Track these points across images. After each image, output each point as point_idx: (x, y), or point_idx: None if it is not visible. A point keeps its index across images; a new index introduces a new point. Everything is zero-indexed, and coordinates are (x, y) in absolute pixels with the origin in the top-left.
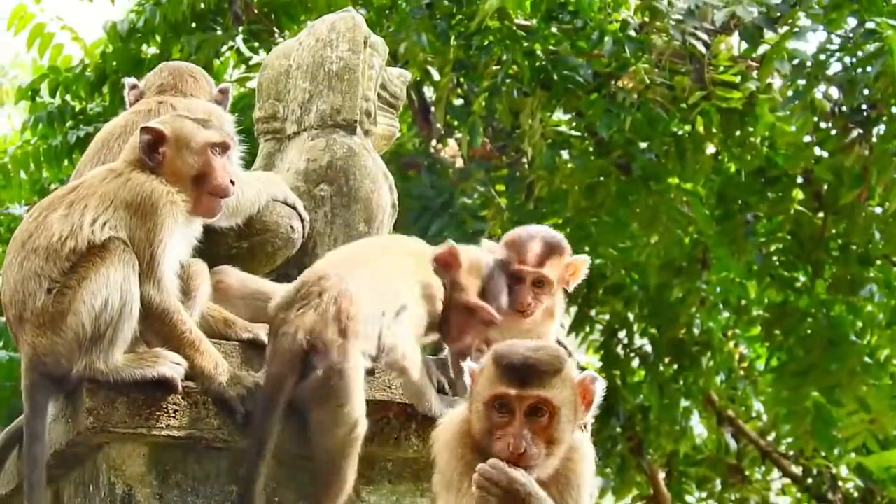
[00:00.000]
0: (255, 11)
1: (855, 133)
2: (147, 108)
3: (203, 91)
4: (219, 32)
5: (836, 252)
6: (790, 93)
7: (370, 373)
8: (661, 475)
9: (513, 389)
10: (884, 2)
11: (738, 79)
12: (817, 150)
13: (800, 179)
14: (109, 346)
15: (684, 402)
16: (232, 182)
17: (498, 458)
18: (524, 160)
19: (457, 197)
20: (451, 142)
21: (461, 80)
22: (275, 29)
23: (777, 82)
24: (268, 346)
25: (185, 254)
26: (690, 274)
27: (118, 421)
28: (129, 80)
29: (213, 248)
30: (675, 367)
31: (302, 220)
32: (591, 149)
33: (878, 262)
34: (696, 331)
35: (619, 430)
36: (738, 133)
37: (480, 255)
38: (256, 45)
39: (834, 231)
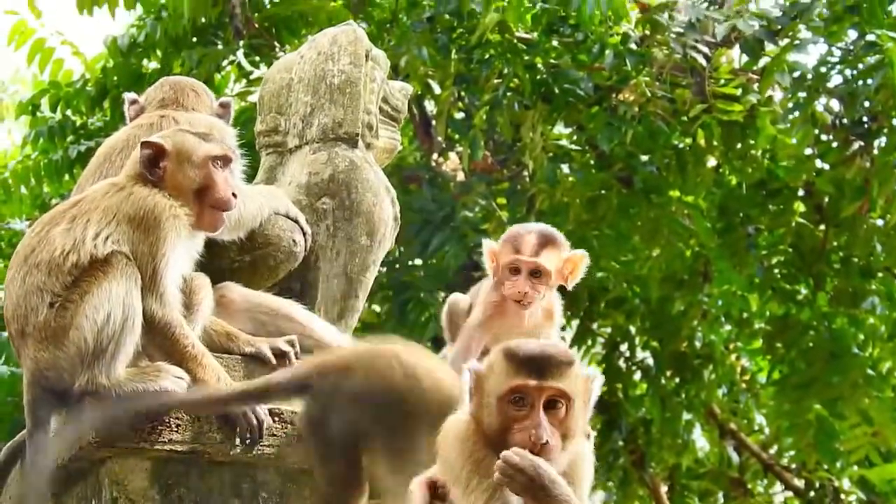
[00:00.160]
0: (256, 26)
1: (856, 145)
2: (149, 122)
3: (204, 105)
4: (220, 47)
5: (838, 264)
6: (791, 105)
7: None
8: (664, 488)
9: (532, 381)
10: (884, 14)
11: (738, 91)
12: (818, 163)
13: (801, 192)
14: (112, 360)
15: (686, 416)
16: (234, 195)
17: None
18: (525, 173)
19: (458, 210)
20: (453, 155)
21: (462, 93)
22: (276, 43)
23: (778, 95)
24: None
25: (187, 268)
26: (692, 287)
27: (120, 436)
28: (128, 95)
29: (216, 261)
30: (677, 380)
31: (304, 234)
32: (592, 162)
33: (880, 275)
34: (697, 344)
35: (621, 443)
36: (739, 146)
37: None
38: (257, 59)
39: (835, 243)
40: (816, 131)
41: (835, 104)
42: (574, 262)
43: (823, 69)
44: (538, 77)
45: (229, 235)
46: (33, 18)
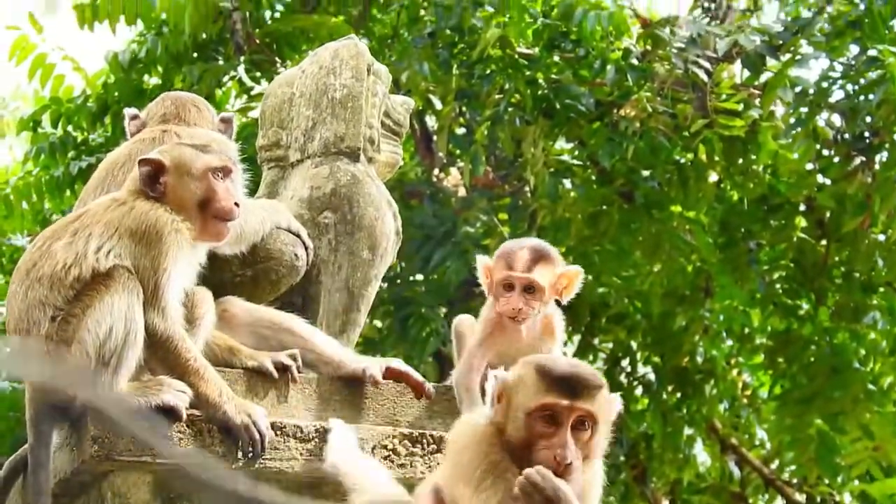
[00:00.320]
0: (257, 41)
1: (857, 160)
2: (151, 137)
3: (206, 120)
4: (220, 62)
5: (839, 280)
6: (793, 120)
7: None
8: (665, 503)
9: (564, 400)
10: (886, 29)
11: (740, 107)
12: (820, 178)
13: (802, 207)
14: (114, 374)
15: (688, 430)
16: (236, 205)
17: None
18: (527, 189)
19: (459, 226)
20: (454, 171)
21: (463, 108)
22: (276, 59)
23: (779, 110)
24: None
25: (189, 282)
26: (693, 302)
27: (123, 449)
28: (129, 111)
29: (217, 275)
30: (679, 395)
31: (306, 248)
32: (593, 177)
33: (881, 290)
34: (699, 359)
35: (622, 458)
36: (740, 161)
37: None
38: (258, 74)
39: (837, 258)
40: (818, 146)
41: (836, 119)
42: (569, 278)
43: (825, 84)
44: (539, 92)
45: (231, 249)
46: (35, 34)
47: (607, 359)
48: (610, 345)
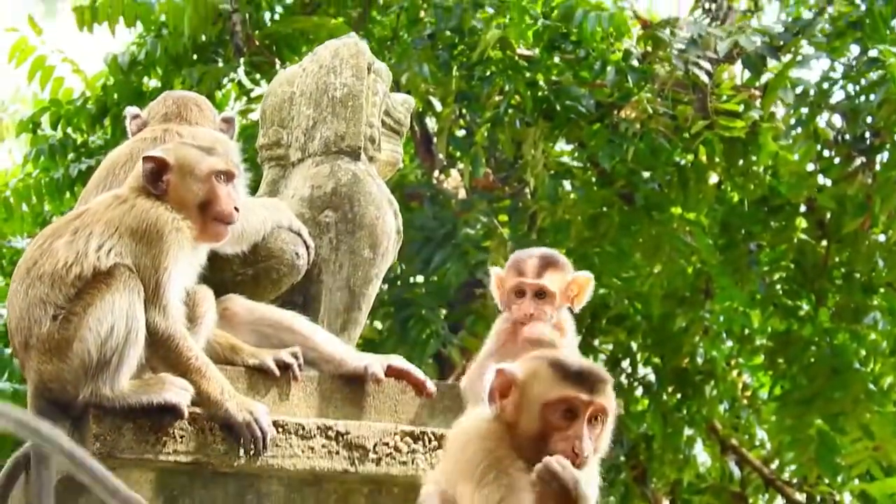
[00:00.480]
0: (257, 43)
1: (858, 161)
2: (153, 136)
3: (207, 120)
4: (220, 64)
5: (840, 280)
6: (793, 121)
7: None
8: (665, 503)
9: (584, 395)
10: (887, 30)
11: (740, 108)
12: (820, 179)
13: (803, 208)
14: (115, 372)
15: (688, 431)
16: (237, 209)
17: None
18: (527, 191)
19: (459, 228)
20: (454, 172)
21: (463, 110)
22: (276, 61)
23: (780, 111)
24: None
25: (190, 280)
26: (694, 303)
27: (125, 447)
28: (131, 110)
29: (219, 274)
30: (679, 395)
31: (307, 247)
32: (593, 179)
33: (882, 290)
34: (699, 360)
35: (622, 458)
36: (741, 162)
37: None
38: (258, 76)
39: (837, 259)
40: (819, 147)
41: (837, 120)
42: (579, 284)
43: (826, 85)
44: (539, 94)
45: (232, 248)
46: (34, 36)
47: (607, 360)
48: (610, 346)
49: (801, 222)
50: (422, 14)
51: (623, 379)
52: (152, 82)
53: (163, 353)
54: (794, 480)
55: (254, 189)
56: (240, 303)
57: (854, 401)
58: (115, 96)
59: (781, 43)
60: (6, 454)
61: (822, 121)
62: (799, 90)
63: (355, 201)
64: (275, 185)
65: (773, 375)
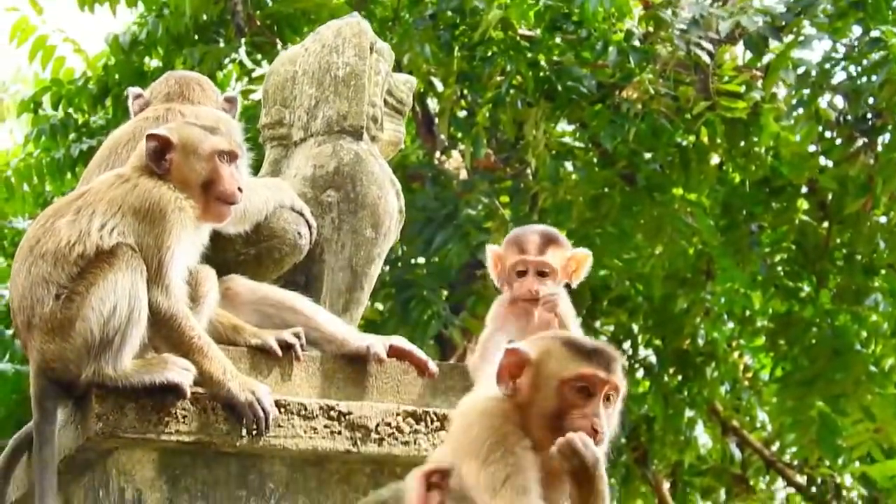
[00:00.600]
0: (258, 23)
1: (860, 142)
2: (155, 115)
3: (210, 100)
4: (221, 45)
5: (841, 262)
6: (795, 102)
7: None
8: (666, 485)
9: (601, 372)
10: (889, 10)
11: (742, 88)
12: (822, 160)
13: (804, 189)
14: (118, 351)
15: (689, 413)
16: (240, 189)
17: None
18: (528, 171)
19: (461, 208)
20: (455, 153)
21: (465, 91)
22: (277, 41)
23: (782, 92)
24: None
25: (193, 260)
26: (695, 285)
27: (127, 426)
28: (133, 90)
29: (221, 254)
30: (680, 377)
31: (309, 227)
32: (595, 160)
33: (883, 272)
34: (700, 341)
35: (623, 440)
36: (742, 143)
37: None
38: (259, 57)
39: (839, 241)
40: (820, 128)
41: (839, 101)
42: (578, 261)
43: (828, 66)
44: (541, 74)
45: (235, 228)
46: (35, 16)
47: (608, 341)
48: (611, 327)
49: (803, 203)
50: None
51: (624, 360)
52: (153, 62)
53: (165, 332)
54: (795, 462)
55: (256, 169)
56: (242, 283)
57: (855, 382)
58: (117, 76)
59: (783, 23)
60: (8, 434)
61: (823, 102)
62: (801, 71)
63: (357, 181)
64: (277, 164)
65: (774, 357)
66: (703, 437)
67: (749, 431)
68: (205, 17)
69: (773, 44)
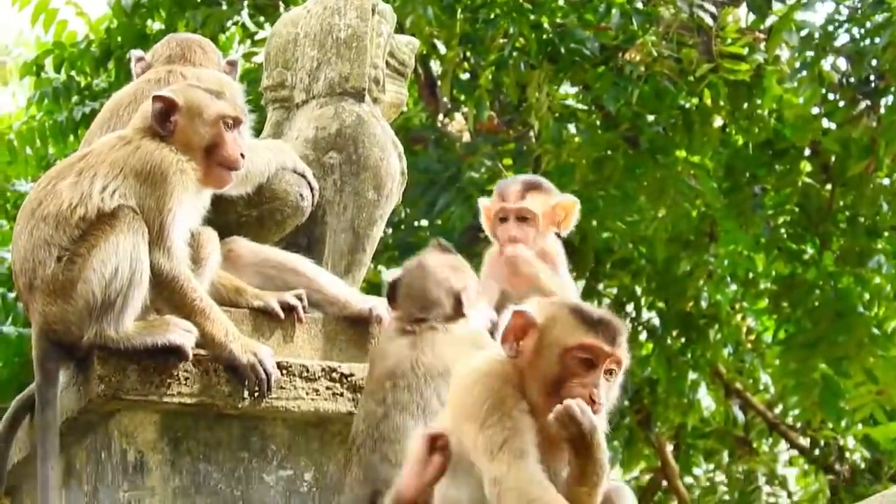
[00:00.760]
0: None
1: (863, 104)
2: (157, 77)
3: (212, 62)
4: (224, 7)
5: (844, 224)
6: (798, 64)
7: None
8: (669, 447)
9: (606, 345)
10: None
11: (745, 51)
12: (825, 122)
13: (807, 151)
14: (120, 313)
15: (692, 375)
16: (242, 155)
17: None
18: (531, 134)
19: (464, 171)
20: (458, 116)
21: (468, 53)
22: (280, 3)
23: (785, 54)
24: None
25: (194, 222)
26: (698, 247)
27: (129, 388)
28: (135, 53)
29: (223, 216)
30: (683, 340)
31: (311, 189)
32: (598, 122)
33: (886, 234)
34: (703, 304)
35: (626, 402)
36: (745, 105)
37: None
38: (261, 19)
39: (842, 203)
40: (823, 90)
41: (842, 63)
42: (565, 208)
43: (830, 28)
44: (544, 37)
45: (237, 190)
46: None
47: (612, 304)
48: (614, 290)
49: (806, 166)
50: None
51: (627, 323)
52: (156, 25)
53: (167, 294)
54: (798, 424)
55: (258, 131)
56: (244, 245)
57: (858, 345)
58: (119, 39)
59: None
60: (10, 397)
61: (826, 64)
62: (804, 33)
63: (359, 143)
64: (279, 126)
65: (777, 319)
66: (706, 400)
67: (752, 394)
68: None
69: (776, 6)
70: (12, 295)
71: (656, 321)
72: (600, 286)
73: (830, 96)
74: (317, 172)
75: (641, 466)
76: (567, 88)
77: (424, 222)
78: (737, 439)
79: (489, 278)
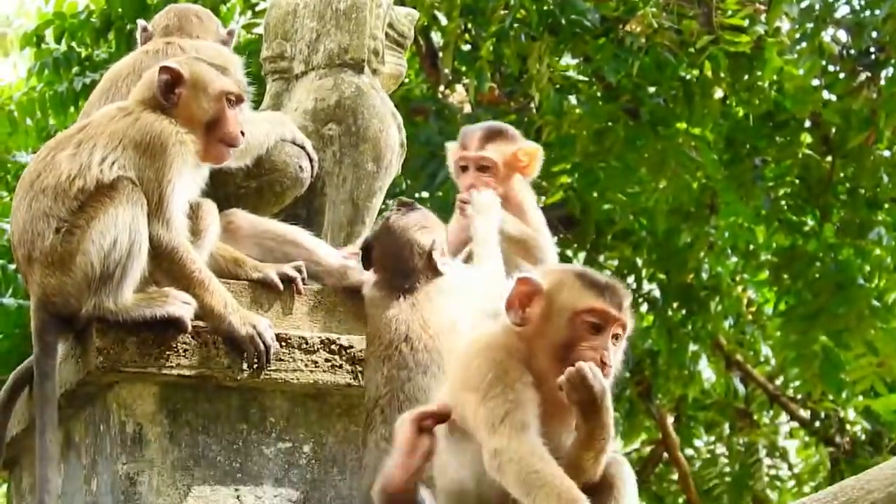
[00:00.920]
0: None
1: (863, 76)
2: (154, 49)
3: (209, 32)
4: None
5: (844, 196)
6: (798, 36)
7: None
8: (670, 419)
9: (613, 310)
10: None
11: (746, 22)
12: (825, 94)
13: (808, 123)
14: (118, 285)
15: (693, 347)
16: (242, 133)
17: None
18: (532, 105)
19: None
20: (459, 87)
21: (469, 24)
22: None
23: (785, 25)
24: None
25: (193, 194)
26: (699, 219)
27: (128, 360)
28: (141, 23)
29: (222, 188)
30: (684, 311)
31: (310, 160)
32: (598, 94)
33: (886, 206)
34: (704, 275)
35: (627, 374)
36: (746, 77)
37: None
38: None
39: (842, 175)
40: (823, 62)
41: (842, 35)
42: (529, 154)
43: None
44: (545, 8)
45: (236, 162)
46: None
47: (613, 275)
48: (615, 261)
49: (806, 137)
50: None
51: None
52: None
53: (166, 266)
54: (799, 396)
55: (257, 103)
56: (243, 216)
57: (858, 317)
58: (120, 10)
59: None
60: (10, 368)
61: (827, 35)
62: (804, 4)
63: (359, 114)
64: (278, 98)
65: (777, 291)
66: (706, 372)
67: (753, 366)
68: None
69: None
70: (12, 266)
71: (657, 293)
72: (601, 258)
73: (831, 68)
74: (316, 144)
75: (642, 438)
76: (568, 60)
77: (425, 194)
78: (737, 411)
79: (452, 230)
